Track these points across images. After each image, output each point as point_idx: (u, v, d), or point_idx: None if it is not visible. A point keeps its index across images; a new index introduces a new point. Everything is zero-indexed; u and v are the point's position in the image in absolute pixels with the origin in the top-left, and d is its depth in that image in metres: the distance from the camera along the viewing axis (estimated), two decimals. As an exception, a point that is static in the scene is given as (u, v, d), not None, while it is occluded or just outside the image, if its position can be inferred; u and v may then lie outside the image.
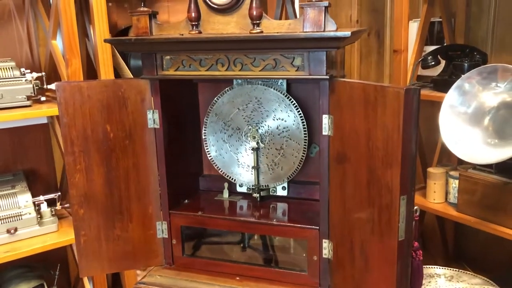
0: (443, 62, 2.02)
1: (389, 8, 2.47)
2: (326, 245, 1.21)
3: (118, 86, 1.24)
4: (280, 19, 2.61)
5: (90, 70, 2.00)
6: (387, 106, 0.96)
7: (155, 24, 1.20)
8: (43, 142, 2.17)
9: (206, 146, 1.41)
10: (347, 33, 1.00)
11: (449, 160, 2.14)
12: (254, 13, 1.08)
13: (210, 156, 1.42)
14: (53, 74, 2.03)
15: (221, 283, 1.29)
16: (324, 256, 1.21)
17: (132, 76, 1.93)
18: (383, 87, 0.97)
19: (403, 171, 0.96)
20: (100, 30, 1.73)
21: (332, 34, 1.02)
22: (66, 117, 1.20)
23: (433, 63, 2.01)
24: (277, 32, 1.10)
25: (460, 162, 1.87)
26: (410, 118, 0.94)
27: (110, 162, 1.27)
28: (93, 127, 1.24)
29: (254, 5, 1.08)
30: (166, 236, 1.35)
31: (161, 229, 1.35)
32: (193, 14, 1.14)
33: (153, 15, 1.19)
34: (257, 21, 1.10)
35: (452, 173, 1.91)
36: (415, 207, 1.02)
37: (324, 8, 1.04)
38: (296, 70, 1.12)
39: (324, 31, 1.05)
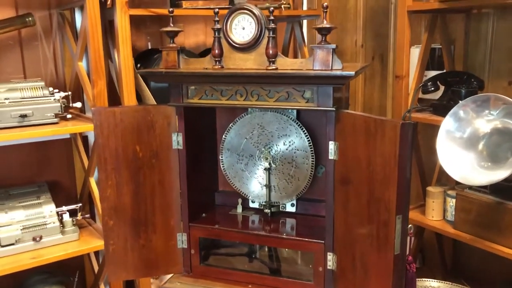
0: (442, 87, 2.09)
1: (393, 33, 2.53)
2: (330, 257, 1.28)
3: (147, 112, 1.34)
4: (289, 42, 2.76)
5: (112, 90, 2.08)
6: (385, 136, 1.07)
7: (182, 58, 1.31)
8: (66, 156, 2.25)
9: (229, 179, 1.50)
10: (351, 73, 1.11)
11: (447, 179, 2.15)
12: (271, 52, 1.20)
13: (235, 186, 1.50)
14: (76, 93, 2.12)
15: (234, 290, 1.37)
16: (328, 267, 1.29)
17: (152, 97, 2.02)
18: (382, 120, 1.08)
19: (399, 193, 1.06)
20: (124, 53, 1.84)
21: (338, 73, 1.13)
22: (101, 138, 1.30)
23: (432, 88, 2.08)
24: (290, 69, 1.21)
25: (458, 182, 1.86)
26: (405, 147, 1.04)
27: (138, 178, 1.35)
28: (124, 147, 1.33)
29: (270, 45, 1.20)
30: (186, 247, 1.43)
31: (181, 240, 1.43)
32: (216, 51, 1.25)
33: (180, 50, 1.31)
34: (273, 59, 1.20)
35: (449, 192, 1.97)
36: (409, 225, 1.12)
37: (331, 50, 1.15)
38: (306, 102, 1.22)
39: (331, 70, 1.16)
